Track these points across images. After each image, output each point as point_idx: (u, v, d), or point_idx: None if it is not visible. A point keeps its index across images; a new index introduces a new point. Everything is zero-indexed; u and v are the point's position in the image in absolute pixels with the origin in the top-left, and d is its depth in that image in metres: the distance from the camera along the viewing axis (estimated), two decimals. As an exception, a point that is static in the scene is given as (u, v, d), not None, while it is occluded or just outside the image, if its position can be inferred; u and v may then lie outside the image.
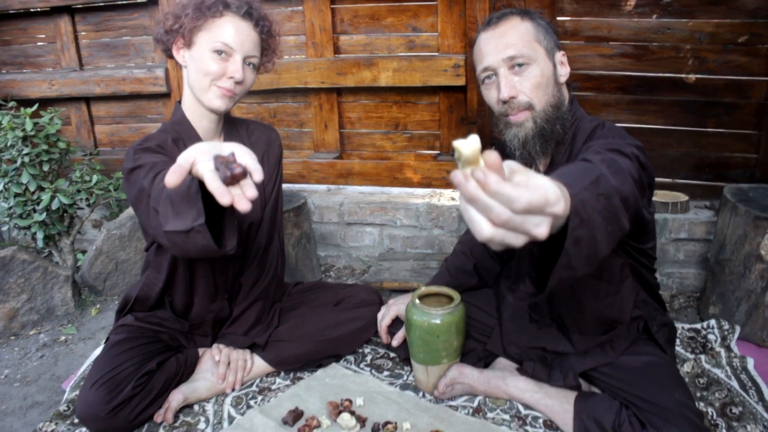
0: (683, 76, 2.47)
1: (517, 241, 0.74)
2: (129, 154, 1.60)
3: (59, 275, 2.52)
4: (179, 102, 1.80)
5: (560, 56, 1.59)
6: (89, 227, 3.27)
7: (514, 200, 0.70)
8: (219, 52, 1.65)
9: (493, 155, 0.73)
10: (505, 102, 1.53)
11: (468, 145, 0.75)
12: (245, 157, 1.06)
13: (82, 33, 3.23)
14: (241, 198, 1.02)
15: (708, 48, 2.41)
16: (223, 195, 1.01)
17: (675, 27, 2.42)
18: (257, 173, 1.05)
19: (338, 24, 2.85)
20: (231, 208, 1.14)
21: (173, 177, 1.04)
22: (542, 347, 1.67)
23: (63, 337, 2.39)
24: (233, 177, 1.02)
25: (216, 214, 1.29)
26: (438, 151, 2.92)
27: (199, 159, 1.06)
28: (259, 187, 1.86)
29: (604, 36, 2.51)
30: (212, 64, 1.66)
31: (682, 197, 2.48)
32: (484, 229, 0.73)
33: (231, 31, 1.65)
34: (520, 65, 1.51)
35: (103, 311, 2.60)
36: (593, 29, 2.51)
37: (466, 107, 2.74)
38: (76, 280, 2.67)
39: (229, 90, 1.69)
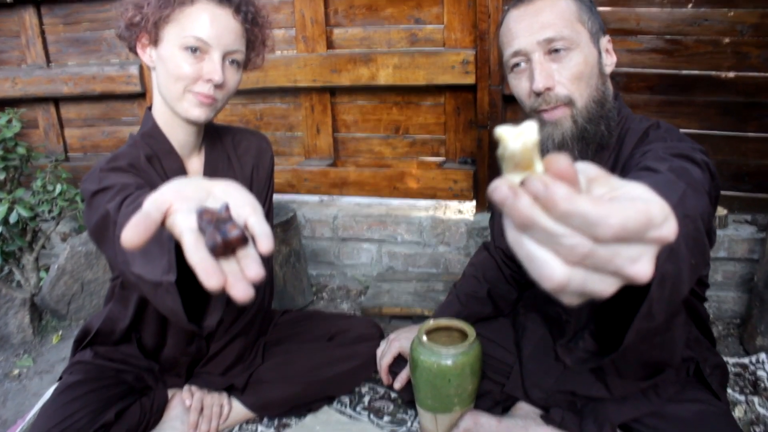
0: (721, 73, 2.23)
1: (605, 286, 0.47)
2: (93, 175, 1.30)
3: (15, 298, 2.25)
4: (149, 108, 1.51)
5: (605, 42, 1.36)
6: (58, 241, 2.99)
7: (598, 222, 0.44)
8: (192, 48, 1.35)
9: (561, 159, 0.46)
10: (538, 94, 1.29)
11: (519, 135, 0.48)
12: (245, 208, 0.69)
13: (49, 27, 2.96)
14: (239, 279, 0.62)
15: (751, 41, 2.16)
16: (208, 273, 0.61)
17: (713, 18, 2.17)
18: (265, 240, 0.65)
19: (332, 16, 2.61)
20: None
21: (135, 233, 0.64)
22: (571, 391, 1.46)
23: (16, 371, 2.12)
24: (225, 244, 0.64)
25: None
26: (443, 158, 2.70)
27: (176, 207, 0.68)
28: None
29: (632, 29, 2.26)
30: (184, 65, 1.35)
31: (721, 211, 2.22)
32: (554, 272, 0.46)
33: (205, 22, 1.34)
34: (558, 50, 1.27)
35: (66, 338, 2.33)
36: (619, 21, 2.26)
37: (475, 109, 2.49)
38: (36, 303, 2.39)
39: (207, 96, 1.38)
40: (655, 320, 0.72)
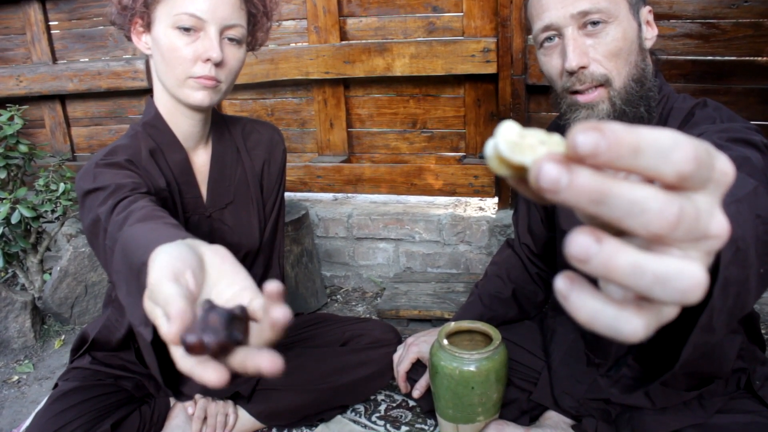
0: (763, 59, 2.10)
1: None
2: (88, 171, 1.21)
3: (15, 301, 2.17)
4: (151, 96, 1.41)
5: (646, 13, 1.24)
6: (64, 243, 2.91)
7: (673, 147, 0.33)
8: (185, 28, 1.24)
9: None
10: (571, 73, 1.18)
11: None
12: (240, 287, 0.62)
13: (55, 22, 2.91)
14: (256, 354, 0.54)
15: (795, 24, 2.03)
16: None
17: (753, -1, 2.05)
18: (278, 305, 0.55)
19: (345, 5, 2.54)
20: None
21: None
22: (605, 399, 1.40)
23: (16, 377, 2.05)
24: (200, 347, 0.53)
25: None
26: (463, 153, 2.62)
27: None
28: (255, 207, 1.51)
29: (665, 12, 2.14)
30: (179, 46, 1.24)
31: (762, 206, 2.08)
32: (633, 329, 0.36)
33: None
34: (594, 24, 1.16)
35: (69, 343, 2.26)
36: (651, 4, 2.08)
37: (497, 100, 2.39)
38: (39, 306, 2.30)
39: (208, 77, 1.26)
40: (716, 334, 0.62)
